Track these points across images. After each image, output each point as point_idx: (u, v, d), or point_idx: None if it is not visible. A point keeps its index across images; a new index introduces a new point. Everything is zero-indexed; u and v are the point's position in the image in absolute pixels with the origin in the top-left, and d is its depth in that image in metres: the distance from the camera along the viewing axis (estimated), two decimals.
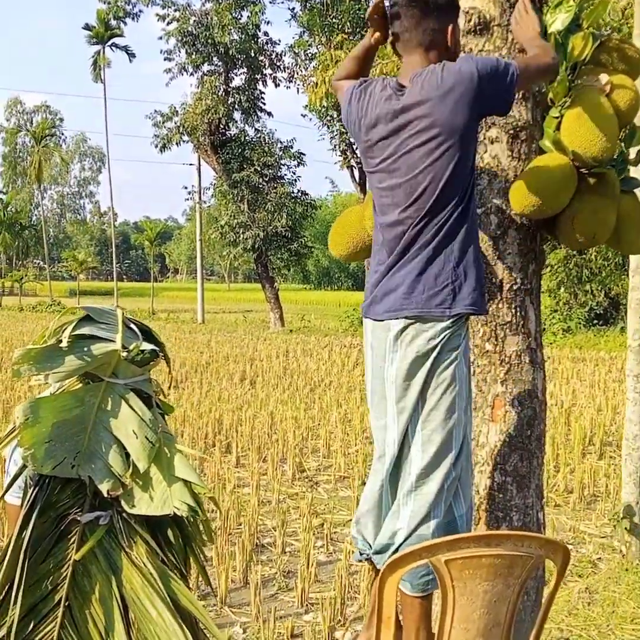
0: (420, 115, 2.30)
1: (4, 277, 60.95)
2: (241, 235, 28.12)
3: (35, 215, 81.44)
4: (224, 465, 7.64)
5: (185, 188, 34.21)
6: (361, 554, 2.56)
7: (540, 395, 2.70)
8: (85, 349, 2.22)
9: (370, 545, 2.49)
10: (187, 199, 39.75)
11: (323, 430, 8.86)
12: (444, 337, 2.30)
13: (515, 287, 2.65)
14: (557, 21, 2.60)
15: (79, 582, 2.16)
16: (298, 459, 7.79)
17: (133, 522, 2.22)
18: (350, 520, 6.02)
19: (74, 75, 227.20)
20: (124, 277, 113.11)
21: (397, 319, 2.34)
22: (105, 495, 2.18)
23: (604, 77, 2.60)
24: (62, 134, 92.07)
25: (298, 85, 26.76)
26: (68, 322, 2.27)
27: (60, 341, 2.19)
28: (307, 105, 25.49)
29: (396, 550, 2.31)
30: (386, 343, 2.38)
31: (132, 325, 2.44)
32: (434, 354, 2.30)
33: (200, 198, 32.86)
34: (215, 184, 31.10)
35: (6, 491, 2.27)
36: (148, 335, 2.46)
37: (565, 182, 2.56)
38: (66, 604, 2.13)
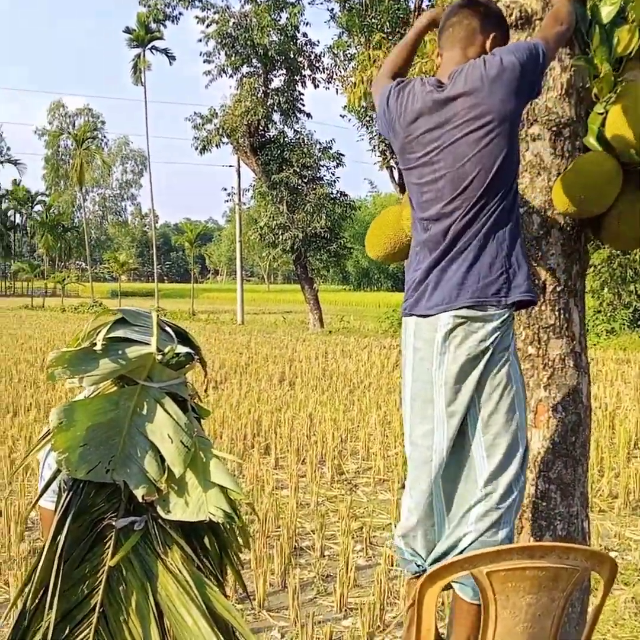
0: (468, 106, 2.28)
1: (47, 279, 61.85)
2: (280, 237, 28.17)
3: (78, 217, 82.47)
4: (262, 467, 7.62)
5: (225, 190, 34.31)
6: (418, 566, 2.46)
7: (585, 401, 2.62)
8: (120, 352, 2.19)
9: (421, 558, 2.42)
10: (227, 201, 40.00)
11: (362, 432, 8.80)
12: (496, 337, 2.24)
13: (559, 289, 2.58)
14: (602, 14, 2.53)
15: (113, 588, 2.14)
16: (337, 461, 7.74)
17: (168, 527, 2.20)
18: (390, 523, 5.96)
19: (117, 78, 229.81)
20: (165, 278, 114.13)
21: (450, 310, 2.27)
22: (140, 500, 2.16)
23: None
24: (104, 137, 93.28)
25: (337, 86, 26.70)
26: (103, 325, 2.25)
27: (95, 344, 2.17)
28: (345, 106, 25.43)
29: (460, 553, 2.24)
30: (434, 345, 2.32)
31: (167, 328, 2.40)
32: (487, 355, 2.24)
33: (239, 199, 32.98)
34: (254, 185, 31.21)
35: (41, 496, 2.26)
36: (183, 338, 2.43)
37: (610, 181, 2.48)
38: (101, 610, 2.11)
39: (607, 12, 2.52)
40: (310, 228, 27.52)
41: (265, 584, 4.75)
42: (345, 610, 4.55)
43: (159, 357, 2.24)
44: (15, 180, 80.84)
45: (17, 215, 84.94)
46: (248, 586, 4.79)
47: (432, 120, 2.34)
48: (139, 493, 2.14)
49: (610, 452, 7.82)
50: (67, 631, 2.09)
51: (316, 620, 4.37)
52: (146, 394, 2.24)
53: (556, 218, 2.59)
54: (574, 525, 2.55)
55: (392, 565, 5.12)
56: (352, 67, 22.76)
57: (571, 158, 2.60)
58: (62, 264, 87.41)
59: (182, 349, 2.30)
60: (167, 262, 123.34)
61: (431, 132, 2.35)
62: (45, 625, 2.05)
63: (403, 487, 6.84)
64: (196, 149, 29.78)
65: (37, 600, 2.09)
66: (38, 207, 78.33)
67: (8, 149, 76.31)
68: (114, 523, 2.16)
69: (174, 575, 2.15)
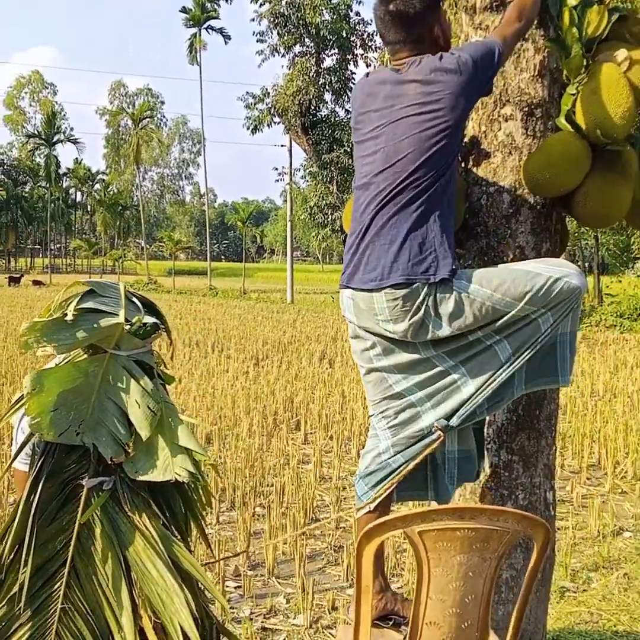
0: (418, 92, 2.38)
1: (105, 256, 62.96)
2: (330, 216, 28.25)
3: (136, 196, 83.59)
4: (290, 442, 7.78)
5: (276, 169, 34.46)
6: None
7: None
8: (90, 322, 2.32)
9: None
10: (277, 180, 40.05)
11: None
12: (427, 304, 2.35)
13: None
14: None
15: (83, 544, 2.28)
16: (364, 437, 7.85)
17: (136, 487, 2.33)
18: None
19: (176, 57, 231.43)
20: (223, 257, 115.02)
21: (381, 289, 2.37)
22: (109, 461, 2.30)
23: (622, 53, 2.54)
24: (164, 116, 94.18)
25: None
26: (73, 296, 2.38)
27: (66, 314, 2.30)
28: None
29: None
30: (372, 316, 2.43)
31: (134, 299, 2.53)
32: (426, 319, 2.36)
33: (291, 179, 33.12)
34: (305, 165, 31.33)
35: (15, 458, 2.41)
36: (150, 309, 2.57)
37: (578, 160, 2.53)
38: (72, 564, 2.26)
39: None
40: None
41: (275, 552, 4.90)
42: (351, 579, 4.68)
43: (127, 327, 2.37)
44: (76, 158, 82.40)
45: (78, 194, 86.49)
46: (260, 554, 4.97)
47: (383, 99, 2.45)
48: (108, 454, 2.28)
49: (638, 435, 7.78)
50: (40, 584, 2.24)
51: (322, 588, 4.52)
52: (114, 362, 2.37)
53: (526, 197, 2.64)
54: (536, 495, 2.62)
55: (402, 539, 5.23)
56: None
57: (543, 138, 2.64)
58: (121, 242, 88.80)
59: (148, 319, 2.43)
60: (225, 241, 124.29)
61: (380, 111, 2.45)
62: (20, 578, 2.20)
63: None
64: (248, 128, 30.03)
65: (12, 555, 2.25)
66: (98, 186, 79.68)
67: (71, 129, 77.55)
68: (83, 483, 2.30)
69: (141, 531, 2.29)
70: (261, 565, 4.81)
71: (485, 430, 2.63)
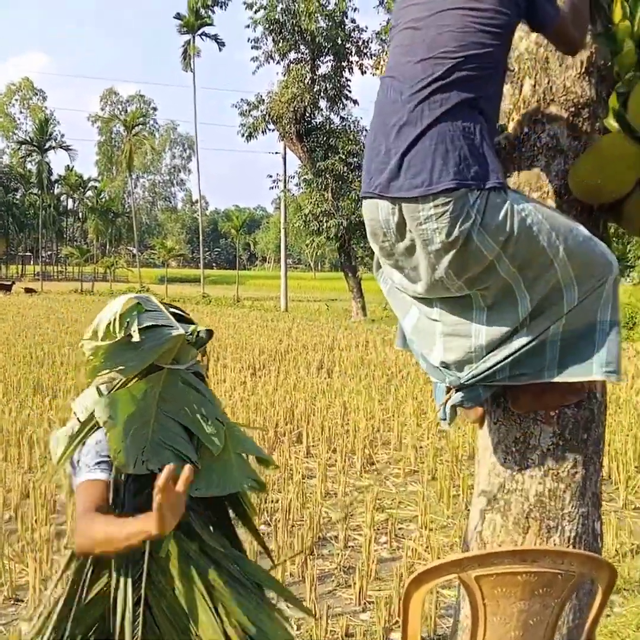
0: None
1: (97, 264, 62.64)
2: (324, 224, 28.04)
3: (128, 203, 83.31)
4: (293, 456, 7.57)
5: (270, 176, 34.24)
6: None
7: (598, 396, 2.48)
8: (152, 339, 2.19)
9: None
10: (272, 188, 39.88)
11: (396, 422, 8.70)
12: (481, 206, 2.10)
13: None
14: None
15: (153, 577, 2.10)
16: (368, 451, 7.66)
17: (194, 506, 2.18)
18: (417, 516, 5.86)
19: (168, 64, 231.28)
20: (214, 264, 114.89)
21: (429, 196, 2.10)
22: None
23: None
24: (156, 123, 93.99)
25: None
26: (127, 314, 2.22)
27: (130, 335, 2.15)
28: None
29: None
30: (419, 222, 2.15)
31: (171, 309, 2.41)
32: (473, 227, 2.10)
33: (285, 186, 32.91)
34: (299, 172, 31.12)
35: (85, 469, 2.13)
36: (184, 317, 2.41)
37: (630, 165, 2.34)
38: (145, 600, 2.08)
39: None
40: (354, 216, 27.29)
41: (284, 573, 4.69)
42: (364, 603, 4.48)
43: (189, 337, 2.26)
44: (67, 165, 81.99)
45: (70, 201, 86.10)
46: None
47: None
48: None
49: None
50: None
51: (334, 613, 4.31)
52: (173, 377, 2.22)
53: (572, 203, 2.45)
54: (585, 526, 2.42)
55: (415, 559, 5.02)
56: None
57: (590, 140, 2.45)
58: (113, 249, 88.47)
59: (201, 328, 2.31)
60: (216, 249, 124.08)
61: (425, 3, 2.23)
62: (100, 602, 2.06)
63: (433, 479, 6.76)
64: (242, 135, 29.83)
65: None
66: (89, 193, 79.32)
67: (62, 135, 77.16)
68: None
69: (209, 554, 2.14)
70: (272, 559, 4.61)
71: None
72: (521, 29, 2.49)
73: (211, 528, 2.23)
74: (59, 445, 2.17)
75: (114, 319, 2.19)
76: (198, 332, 2.30)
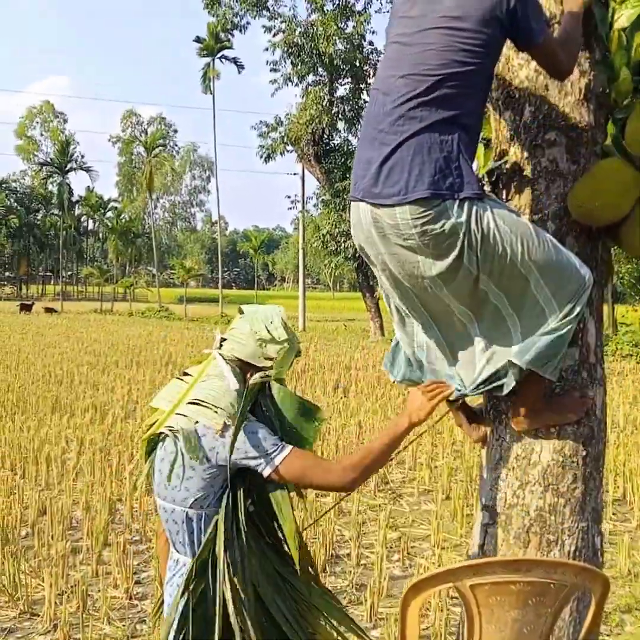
0: (455, 4, 2.23)
1: (116, 284, 63.12)
2: (342, 244, 28.20)
3: (148, 223, 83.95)
4: None
5: (288, 197, 34.54)
6: None
7: (598, 413, 2.54)
8: (295, 345, 2.48)
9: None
10: (290, 208, 40.17)
11: (412, 441, 8.72)
12: (459, 220, 2.18)
13: None
14: (623, 17, 2.46)
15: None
16: (382, 470, 7.69)
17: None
18: (430, 535, 5.90)
19: (189, 86, 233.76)
20: (233, 284, 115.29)
21: (404, 203, 2.19)
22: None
23: None
24: (176, 145, 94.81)
25: None
26: (274, 319, 2.44)
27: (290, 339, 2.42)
28: None
29: None
30: (398, 228, 2.23)
31: None
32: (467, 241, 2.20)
33: (303, 207, 33.12)
34: (318, 193, 31.34)
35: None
36: None
37: (628, 187, 2.41)
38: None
39: (628, 15, 2.45)
40: None
41: None
42: (375, 620, 4.52)
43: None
44: (88, 187, 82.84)
45: (90, 221, 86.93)
46: None
47: (421, 4, 2.31)
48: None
49: None
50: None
51: (344, 629, 4.34)
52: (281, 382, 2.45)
53: (571, 225, 2.52)
54: (585, 541, 2.47)
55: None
56: None
57: (588, 165, 2.52)
58: (132, 269, 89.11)
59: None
60: (236, 269, 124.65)
61: (415, 18, 2.31)
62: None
63: (448, 498, 6.79)
64: (261, 157, 30.09)
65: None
66: (110, 214, 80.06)
67: (82, 156, 77.79)
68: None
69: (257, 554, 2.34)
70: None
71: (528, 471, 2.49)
72: (521, 57, 2.58)
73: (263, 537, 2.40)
74: (191, 442, 2.29)
75: (286, 324, 2.45)
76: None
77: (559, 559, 2.15)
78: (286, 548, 2.40)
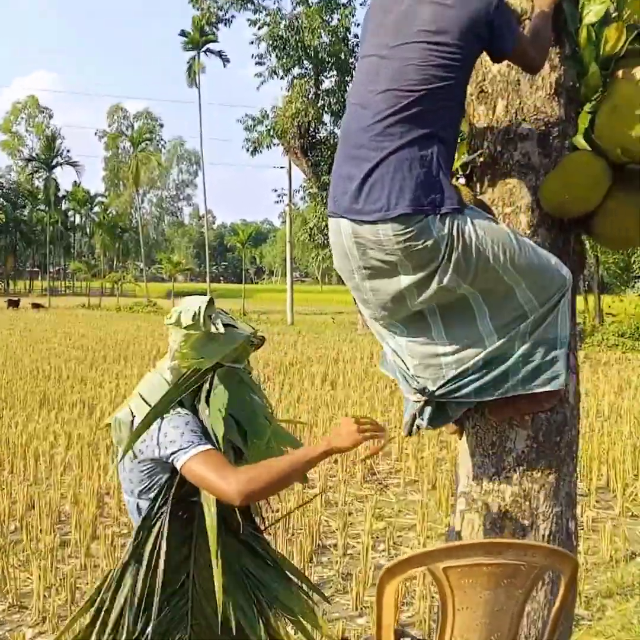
0: (432, 18, 2.25)
1: (104, 279, 62.96)
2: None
3: (135, 218, 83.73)
4: None
5: (275, 191, 34.53)
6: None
7: (571, 400, 2.60)
8: (230, 336, 2.38)
9: None
10: (277, 202, 40.18)
11: (398, 433, 8.79)
12: (440, 234, 2.22)
13: None
14: (591, 13, 2.51)
15: (198, 560, 2.32)
16: (369, 461, 7.75)
17: None
18: (415, 525, 5.97)
19: (174, 80, 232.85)
20: (221, 278, 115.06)
21: (387, 221, 2.22)
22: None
23: None
24: (162, 139, 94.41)
25: None
26: (210, 310, 2.39)
27: (217, 329, 2.35)
28: None
29: None
30: (380, 244, 2.26)
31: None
32: (438, 249, 2.23)
33: (290, 200, 33.15)
34: (304, 186, 31.35)
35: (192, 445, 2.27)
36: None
37: (598, 179, 2.47)
38: (192, 577, 2.30)
39: (596, 11, 2.51)
40: None
41: None
42: (361, 608, 4.58)
43: (253, 339, 2.44)
44: (75, 181, 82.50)
45: (77, 216, 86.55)
46: None
47: (398, 16, 2.32)
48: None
49: None
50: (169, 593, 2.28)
51: (331, 618, 4.41)
52: (232, 374, 2.40)
53: (543, 217, 2.58)
54: (559, 525, 2.53)
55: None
56: None
57: (560, 158, 2.58)
58: (120, 264, 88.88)
59: (260, 332, 2.49)
60: (224, 263, 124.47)
61: (393, 30, 2.32)
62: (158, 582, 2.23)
63: (434, 488, 6.86)
64: (247, 150, 30.06)
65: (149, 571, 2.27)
66: (97, 209, 79.77)
67: (68, 151, 77.29)
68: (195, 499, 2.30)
69: (245, 544, 2.36)
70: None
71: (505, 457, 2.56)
72: None
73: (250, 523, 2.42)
74: (121, 429, 2.36)
75: (200, 312, 2.37)
76: (259, 335, 2.48)
77: (528, 541, 2.21)
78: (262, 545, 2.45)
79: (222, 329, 2.35)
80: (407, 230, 2.20)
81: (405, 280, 2.30)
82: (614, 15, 2.50)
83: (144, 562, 2.23)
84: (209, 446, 2.20)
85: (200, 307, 2.36)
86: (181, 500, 2.29)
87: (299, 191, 32.83)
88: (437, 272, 2.25)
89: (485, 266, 2.26)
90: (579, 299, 28.24)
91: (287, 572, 2.45)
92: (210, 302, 2.42)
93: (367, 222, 2.26)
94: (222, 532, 2.27)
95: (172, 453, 2.21)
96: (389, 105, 2.25)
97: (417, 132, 2.23)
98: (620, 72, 2.53)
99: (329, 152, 28.65)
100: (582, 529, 5.77)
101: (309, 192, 30.17)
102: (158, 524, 2.26)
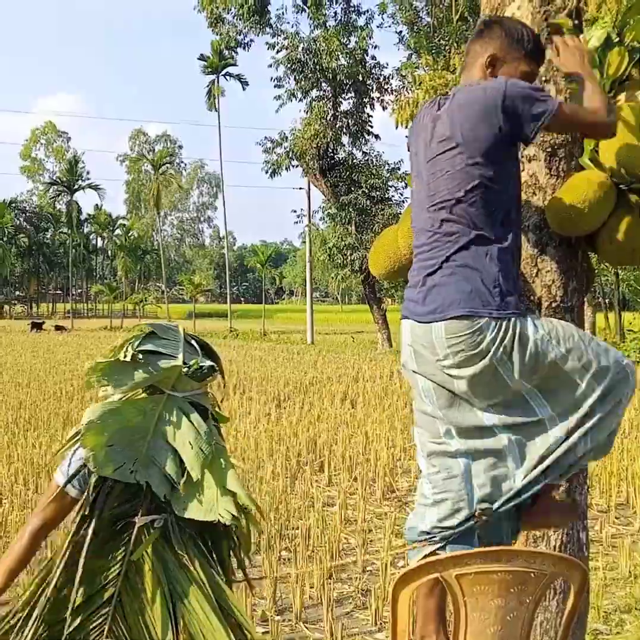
0: (444, 127, 2.35)
1: (126, 301, 63.42)
2: (349, 257, 28.39)
3: (157, 240, 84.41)
4: (314, 484, 7.73)
5: (294, 211, 34.79)
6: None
7: None
8: (151, 363, 2.39)
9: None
10: (296, 222, 40.46)
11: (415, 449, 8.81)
12: (503, 337, 2.24)
13: (554, 305, 2.64)
14: (594, 38, 2.60)
15: (131, 580, 2.32)
16: (388, 479, 7.80)
17: (185, 526, 2.37)
18: None
19: (194, 103, 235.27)
20: (242, 299, 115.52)
21: (441, 320, 2.28)
22: (162, 499, 2.33)
23: None
24: (182, 161, 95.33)
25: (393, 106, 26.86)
26: (134, 338, 2.44)
27: (124, 357, 2.37)
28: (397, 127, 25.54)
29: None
30: (433, 347, 2.32)
31: (192, 342, 2.59)
32: (499, 358, 2.24)
33: (309, 221, 33.35)
34: (323, 207, 31.56)
35: (69, 481, 2.37)
36: (207, 351, 2.61)
37: (603, 199, 2.54)
38: (118, 599, 2.29)
39: (598, 36, 2.59)
40: None
41: (302, 596, 4.85)
42: (380, 623, 4.62)
43: (185, 369, 2.42)
44: (96, 205, 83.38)
45: (99, 239, 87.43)
46: (287, 599, 4.92)
47: (426, 136, 2.42)
48: (160, 493, 2.32)
49: None
50: (85, 617, 2.28)
51: (350, 633, 4.46)
52: (171, 402, 2.42)
53: (551, 236, 2.65)
54: (569, 536, 2.59)
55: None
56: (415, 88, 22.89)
57: (566, 178, 2.66)
58: (142, 285, 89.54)
59: (205, 362, 2.47)
60: (244, 284, 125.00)
61: (420, 151, 2.45)
62: (69, 610, 2.23)
63: None
64: (266, 172, 30.31)
65: (58, 585, 2.27)
66: (118, 231, 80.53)
67: (88, 173, 78.18)
68: (135, 520, 2.32)
69: (188, 571, 2.32)
70: (288, 609, 4.77)
71: None
72: None
73: (198, 549, 2.39)
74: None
75: (120, 341, 2.43)
76: (201, 366, 2.46)
77: (537, 549, 2.27)
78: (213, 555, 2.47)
79: (129, 357, 2.36)
80: (460, 332, 2.26)
81: (458, 384, 2.31)
82: (615, 40, 2.58)
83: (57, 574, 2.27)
84: (68, 491, 2.36)
85: (125, 336, 2.44)
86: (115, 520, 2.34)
87: (318, 212, 33.08)
88: (490, 371, 2.26)
89: (545, 365, 2.25)
90: (600, 317, 28.09)
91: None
92: (148, 331, 2.48)
93: (423, 322, 2.35)
94: (164, 557, 2.31)
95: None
96: (434, 222, 2.37)
97: (467, 238, 2.31)
98: (623, 95, 2.62)
99: (348, 173, 28.87)
100: (602, 545, 5.78)
101: (328, 212, 30.35)
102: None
